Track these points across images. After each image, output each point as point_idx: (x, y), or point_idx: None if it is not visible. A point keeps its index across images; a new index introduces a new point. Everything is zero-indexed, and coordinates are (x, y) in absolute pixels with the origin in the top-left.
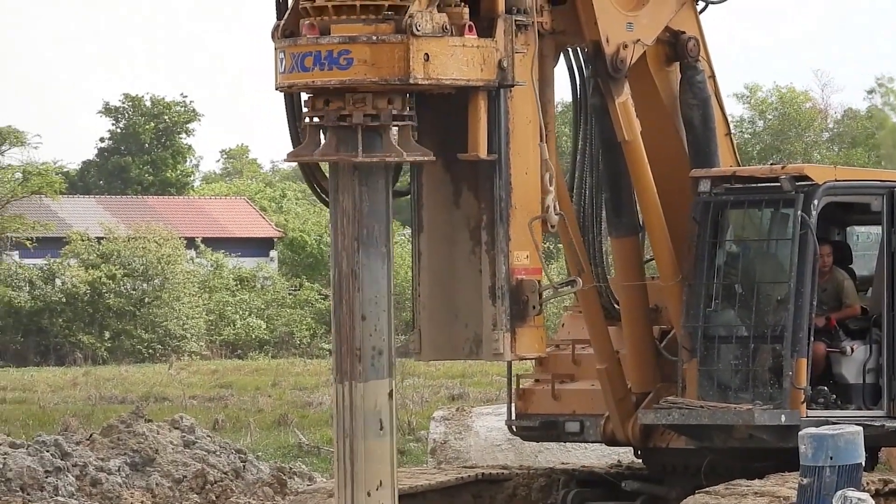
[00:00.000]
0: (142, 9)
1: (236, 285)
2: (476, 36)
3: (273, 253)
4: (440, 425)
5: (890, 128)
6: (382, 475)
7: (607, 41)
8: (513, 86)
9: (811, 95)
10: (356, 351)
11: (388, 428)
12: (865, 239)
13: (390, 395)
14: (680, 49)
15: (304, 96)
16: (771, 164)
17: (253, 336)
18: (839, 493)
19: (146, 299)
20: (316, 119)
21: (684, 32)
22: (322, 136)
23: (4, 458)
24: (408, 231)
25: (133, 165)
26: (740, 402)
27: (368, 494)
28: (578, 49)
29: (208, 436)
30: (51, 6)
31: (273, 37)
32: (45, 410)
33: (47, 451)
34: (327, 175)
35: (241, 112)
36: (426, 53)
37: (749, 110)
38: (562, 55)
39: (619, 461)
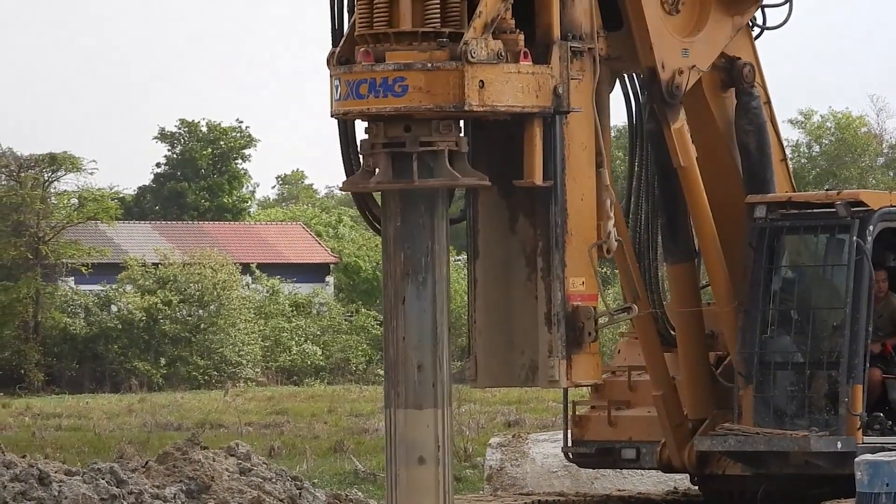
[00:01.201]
0: (198, 34)
1: (292, 311)
2: (531, 62)
3: (329, 279)
4: (496, 452)
5: None
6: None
7: (663, 67)
8: (568, 112)
9: (866, 120)
10: None
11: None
12: None
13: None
14: (735, 75)
15: (360, 123)
16: (826, 190)
17: (309, 362)
18: None
19: (202, 325)
20: (370, 147)
21: (740, 58)
22: (375, 163)
23: (60, 486)
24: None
25: (189, 191)
26: (796, 428)
27: None
28: (634, 75)
29: (264, 463)
30: (105, 31)
31: (328, 64)
32: (100, 437)
33: (103, 479)
34: (379, 203)
35: (297, 138)
36: (481, 80)
37: (805, 135)
38: (617, 81)
39: (675, 488)
